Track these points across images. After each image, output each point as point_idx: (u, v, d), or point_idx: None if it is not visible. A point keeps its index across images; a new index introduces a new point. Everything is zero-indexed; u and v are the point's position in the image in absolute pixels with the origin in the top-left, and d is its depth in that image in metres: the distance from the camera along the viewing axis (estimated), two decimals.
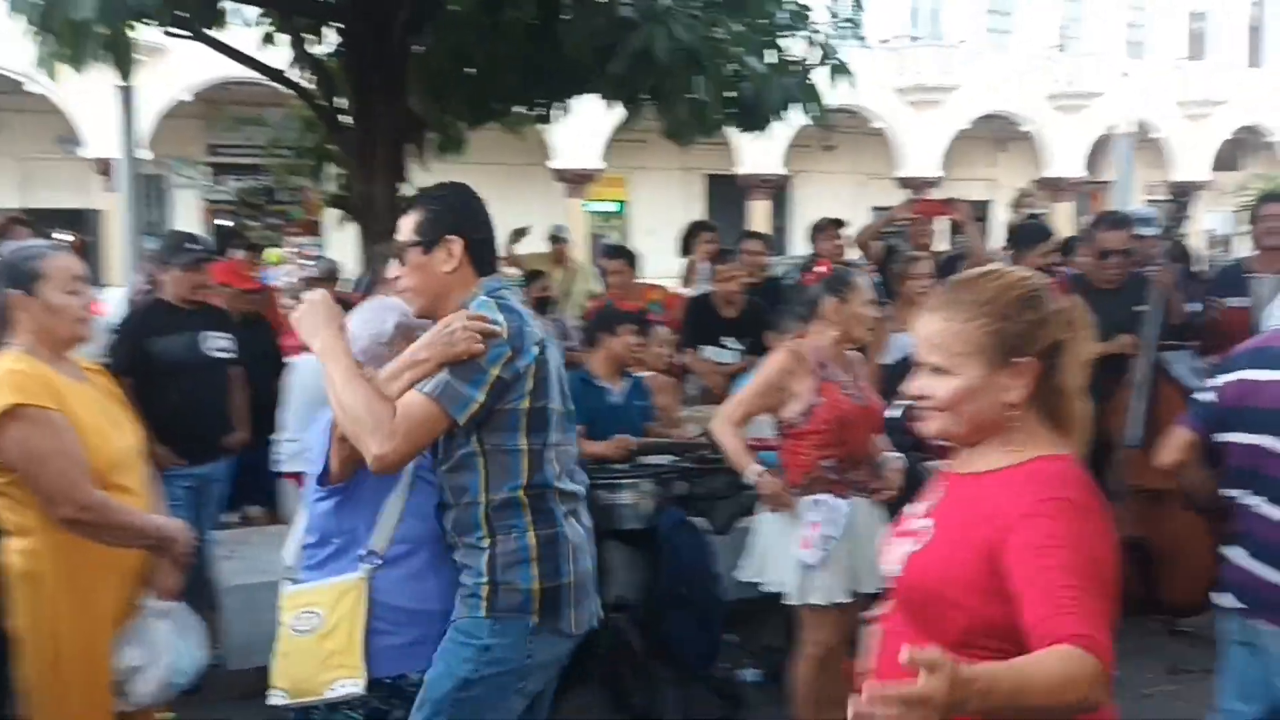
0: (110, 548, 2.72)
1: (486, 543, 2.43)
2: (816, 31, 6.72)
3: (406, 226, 2.55)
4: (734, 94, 6.19)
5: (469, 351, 2.33)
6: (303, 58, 8.00)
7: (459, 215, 2.56)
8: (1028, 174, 27.74)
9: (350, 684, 2.49)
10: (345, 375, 2.36)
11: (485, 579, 2.43)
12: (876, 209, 26.61)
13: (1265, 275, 5.01)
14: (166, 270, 4.79)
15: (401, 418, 2.30)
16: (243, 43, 7.85)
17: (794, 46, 7.07)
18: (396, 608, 2.55)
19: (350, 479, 2.53)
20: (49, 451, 2.59)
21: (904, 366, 4.96)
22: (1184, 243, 5.31)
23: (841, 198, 25.99)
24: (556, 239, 9.33)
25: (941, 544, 1.79)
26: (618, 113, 7.24)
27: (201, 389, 4.74)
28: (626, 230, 25.94)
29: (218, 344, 4.88)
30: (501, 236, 7.28)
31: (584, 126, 11.32)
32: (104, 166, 19.62)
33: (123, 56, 4.19)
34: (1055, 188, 26.88)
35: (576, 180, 23.57)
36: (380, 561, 2.55)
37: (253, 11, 7.66)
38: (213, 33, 7.10)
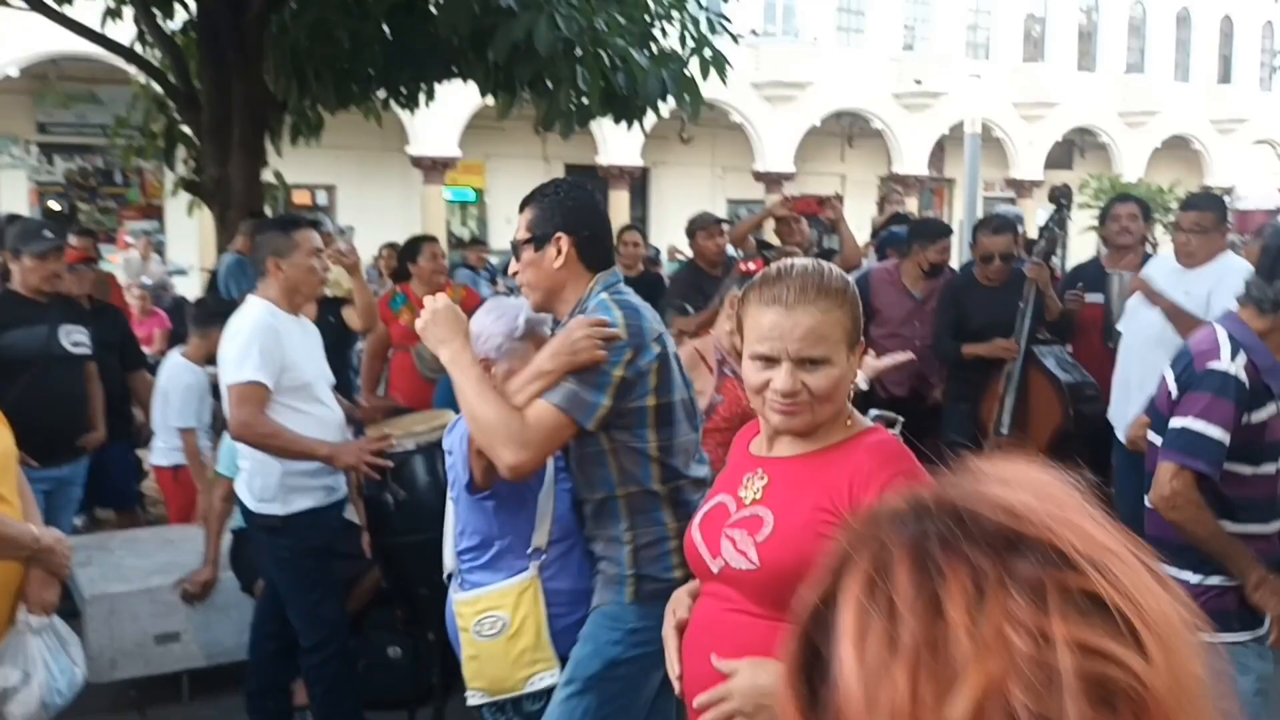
0: None
1: (628, 535, 2.50)
2: (695, 22, 6.71)
3: (522, 224, 2.62)
4: (609, 85, 6.12)
5: (592, 359, 2.38)
6: (153, 33, 7.58)
7: (569, 213, 2.60)
8: (876, 170, 28.59)
9: (549, 676, 2.59)
10: (476, 386, 2.42)
11: (630, 571, 2.49)
12: (733, 201, 27.13)
13: (1116, 272, 5.25)
14: (18, 259, 4.41)
15: (533, 428, 2.37)
16: (83, 16, 7.41)
17: (667, 39, 7.07)
18: (563, 590, 2.62)
19: (497, 483, 2.58)
20: None
21: None
22: (1057, 241, 5.49)
23: (699, 190, 26.31)
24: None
25: (791, 527, 1.79)
26: (475, 99, 7.08)
27: (59, 385, 4.42)
28: (485, 218, 25.64)
29: (73, 337, 4.55)
30: (366, 224, 7.07)
31: (442, 112, 11.13)
32: None
33: None
34: (902, 184, 27.77)
35: (434, 167, 23.13)
36: (542, 556, 2.63)
37: None
38: (52, 4, 6.66)
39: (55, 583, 2.70)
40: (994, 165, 28.55)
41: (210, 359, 4.46)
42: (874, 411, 4.77)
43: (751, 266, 3.85)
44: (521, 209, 2.68)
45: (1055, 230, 5.40)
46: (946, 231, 5.89)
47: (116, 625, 4.08)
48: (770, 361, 1.81)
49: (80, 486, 4.72)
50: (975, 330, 5.17)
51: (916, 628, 0.55)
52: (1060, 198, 5.45)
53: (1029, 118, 29.82)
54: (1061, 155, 31.35)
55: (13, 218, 7.52)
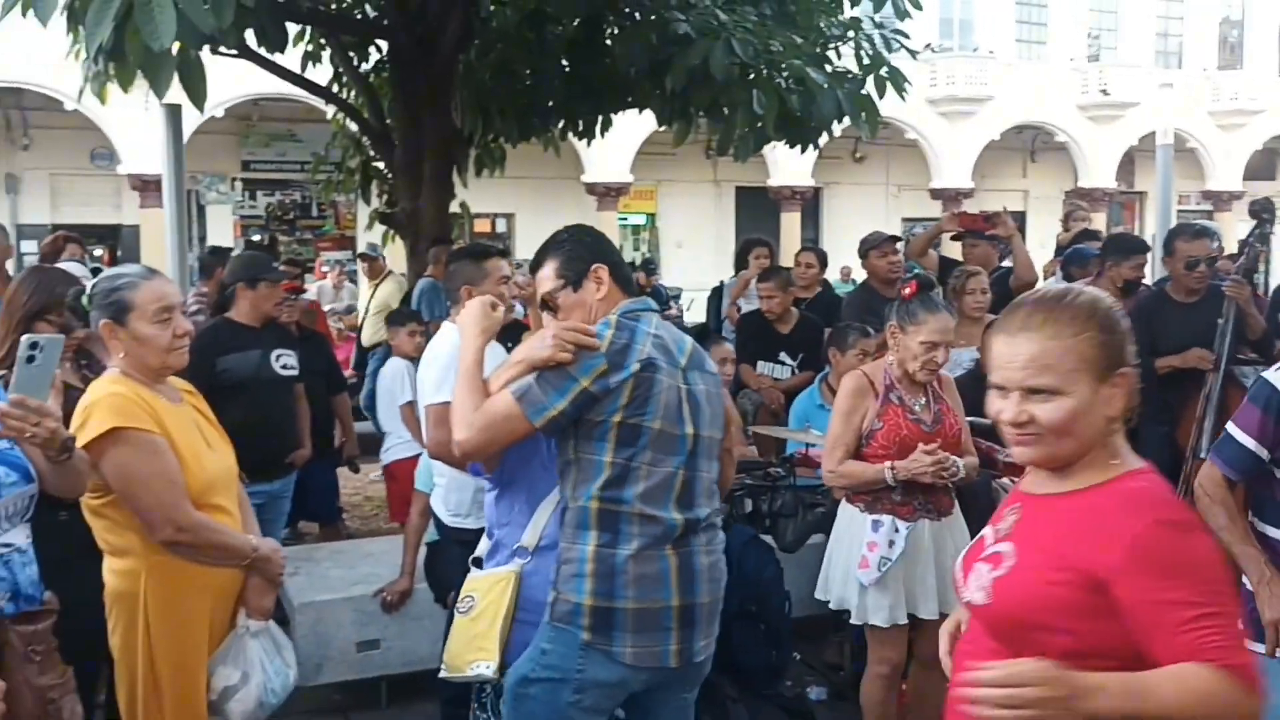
0: (206, 568, 2.72)
1: (562, 550, 2.52)
2: (870, 41, 6.68)
3: (547, 276, 2.66)
4: (785, 107, 6.16)
5: (554, 359, 2.41)
6: (350, 74, 8.07)
7: (592, 247, 2.68)
8: (1061, 184, 27.59)
9: (484, 665, 2.62)
10: (462, 372, 2.55)
11: (553, 586, 2.52)
12: (908, 220, 26.63)
13: None
14: (252, 288, 4.77)
15: (482, 412, 2.45)
16: (285, 60, 7.94)
17: (841, 59, 7.06)
18: (539, 602, 2.61)
19: (504, 470, 2.69)
20: (148, 474, 2.59)
21: (966, 381, 4.95)
22: (1259, 257, 5.22)
23: (872, 209, 25.96)
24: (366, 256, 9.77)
25: (1029, 568, 1.74)
26: (647, 126, 7.26)
27: (271, 406, 4.75)
28: (656, 242, 25.96)
29: (283, 360, 4.89)
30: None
31: (615, 140, 11.39)
32: (138, 182, 19.82)
33: (196, 82, 4.20)
34: (1089, 198, 26.71)
35: (608, 193, 23.62)
36: (529, 557, 2.68)
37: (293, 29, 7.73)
38: (262, 53, 7.16)
39: (272, 590, 2.90)
40: (1188, 177, 27.13)
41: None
42: None
43: (906, 291, 3.79)
44: (535, 269, 2.73)
45: (1257, 246, 5.11)
46: (1143, 248, 5.64)
47: (322, 632, 4.32)
48: (1003, 391, 1.78)
49: (288, 500, 5.06)
50: (1169, 350, 4.95)
51: None
52: (1262, 211, 5.16)
53: (1226, 126, 28.22)
54: (1262, 165, 29.53)
55: (215, 250, 8.13)
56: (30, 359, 2.22)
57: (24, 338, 2.28)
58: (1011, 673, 1.56)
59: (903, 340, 3.69)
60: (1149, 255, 5.61)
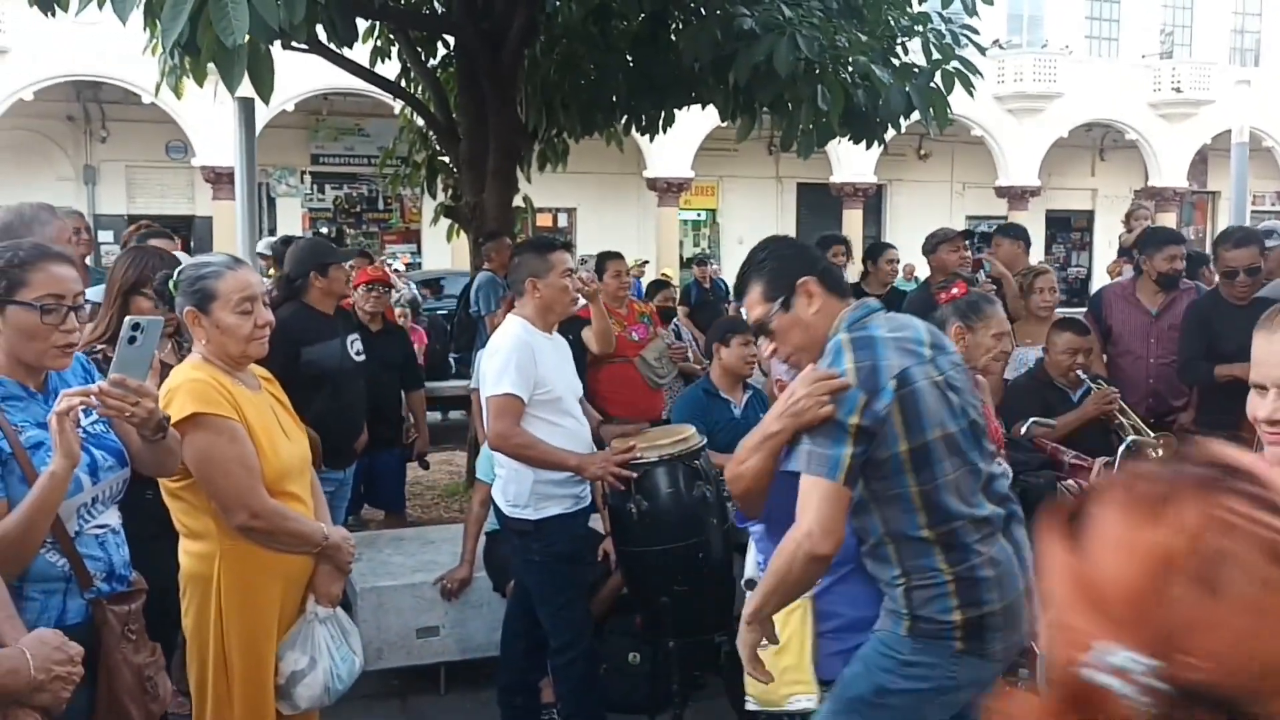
0: (277, 553, 2.78)
1: (901, 580, 2.41)
2: (941, 35, 6.60)
3: (754, 301, 2.54)
4: (851, 103, 6.11)
5: (817, 417, 2.29)
6: (418, 69, 8.16)
7: (794, 259, 2.55)
8: (1131, 183, 27.08)
9: (805, 700, 2.61)
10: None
11: (905, 610, 2.41)
12: (972, 218, 26.31)
13: None
14: (324, 274, 4.79)
15: (806, 509, 2.28)
16: (354, 55, 8.06)
17: (909, 55, 7.00)
18: (837, 615, 2.63)
19: (765, 510, 2.58)
20: (226, 459, 2.66)
21: (1028, 382, 4.89)
22: None
23: (936, 207, 25.69)
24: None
25: None
26: (708, 122, 7.24)
27: (348, 394, 4.82)
28: (717, 238, 25.93)
29: (356, 346, 4.96)
30: (603, 246, 7.41)
31: (676, 135, 11.42)
32: (211, 174, 20.25)
33: (264, 76, 4.28)
34: (1159, 198, 26.17)
35: (669, 189, 23.62)
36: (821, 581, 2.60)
37: (362, 24, 7.84)
38: (333, 48, 7.26)
39: (341, 577, 2.95)
40: (1264, 177, 26.47)
41: None
42: (1131, 438, 4.57)
43: (955, 292, 3.73)
44: (739, 295, 2.62)
45: None
46: (1175, 239, 5.52)
47: (383, 618, 4.40)
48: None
49: (351, 486, 5.15)
50: (1229, 354, 4.78)
51: (1153, 492, 0.81)
52: None
53: None
54: None
55: (288, 239, 8.27)
56: (132, 339, 2.29)
57: (126, 319, 2.35)
58: None
59: (971, 339, 3.63)
60: (1182, 247, 5.47)
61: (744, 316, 2.76)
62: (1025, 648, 2.63)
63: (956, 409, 2.41)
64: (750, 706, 2.74)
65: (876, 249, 7.23)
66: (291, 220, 22.44)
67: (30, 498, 2.16)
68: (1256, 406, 1.73)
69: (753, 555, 2.88)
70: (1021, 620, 2.44)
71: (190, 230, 21.44)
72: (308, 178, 23.19)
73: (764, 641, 2.57)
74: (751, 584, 2.84)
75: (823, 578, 2.56)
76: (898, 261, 7.16)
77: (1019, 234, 6.60)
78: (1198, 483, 0.81)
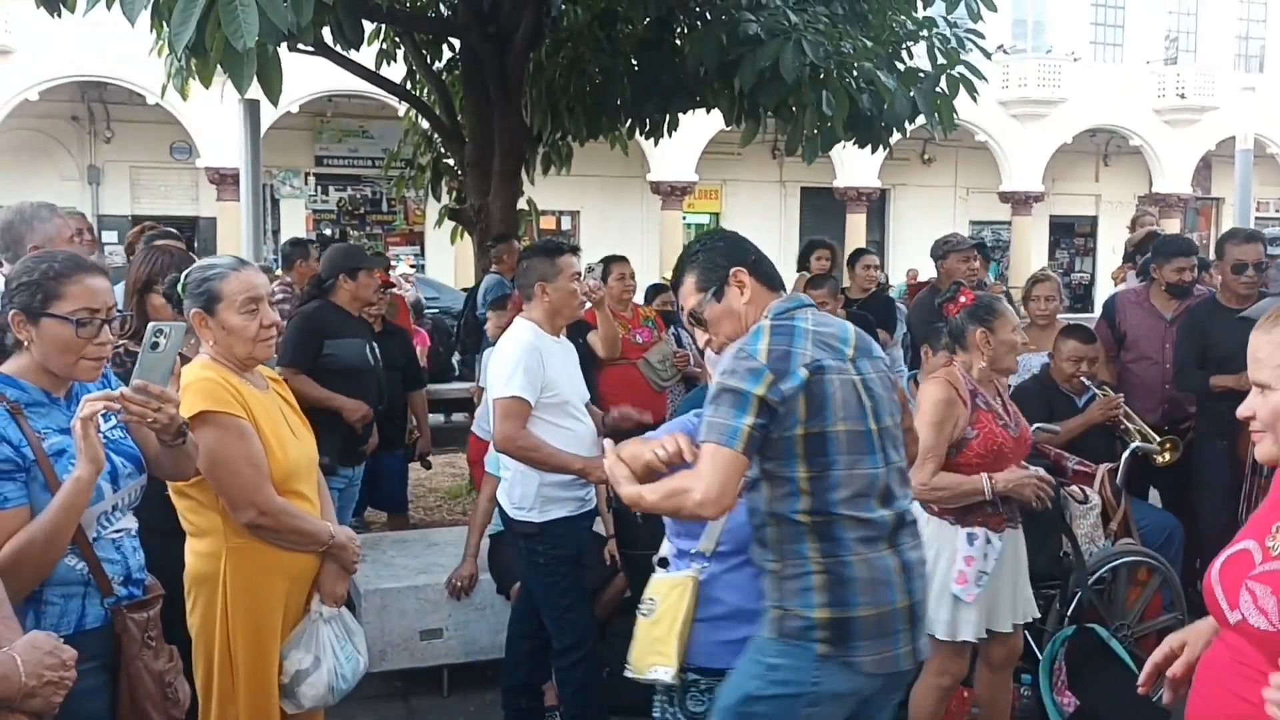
0: (283, 552, 2.79)
1: (774, 566, 2.42)
2: (947, 40, 6.61)
3: (688, 292, 2.59)
4: (856, 108, 6.13)
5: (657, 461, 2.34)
6: (423, 71, 8.19)
7: (727, 251, 2.59)
8: (1134, 189, 27.09)
9: (662, 670, 2.60)
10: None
11: (774, 603, 2.42)
12: (976, 223, 26.33)
13: None
14: (353, 278, 4.88)
15: (702, 475, 2.28)
16: (359, 57, 8.08)
17: (913, 59, 7.01)
18: (721, 602, 2.62)
19: None
20: (234, 457, 2.67)
21: (1033, 387, 4.89)
22: None
23: (940, 211, 25.70)
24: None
25: None
26: (712, 125, 7.27)
27: (365, 394, 4.87)
28: None
29: (376, 351, 5.02)
30: (607, 249, 7.44)
31: (680, 139, 11.42)
32: (215, 175, 20.28)
33: (273, 78, 4.30)
34: (1163, 204, 26.19)
35: (672, 192, 23.65)
36: (707, 562, 2.64)
37: (368, 27, 7.86)
38: (339, 50, 7.29)
39: (346, 577, 2.96)
40: (1268, 183, 26.48)
41: None
42: (1135, 444, 4.58)
43: (964, 300, 3.75)
44: (675, 288, 2.66)
45: None
46: (1186, 250, 5.52)
47: (387, 619, 4.40)
48: (1261, 389, 1.79)
49: (358, 487, 5.17)
50: (1221, 360, 4.76)
51: None
52: None
53: None
54: None
55: (296, 241, 8.29)
56: (155, 345, 2.30)
57: (150, 325, 2.35)
58: None
59: (995, 340, 3.66)
60: (1193, 258, 5.48)
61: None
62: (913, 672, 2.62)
63: (868, 410, 2.43)
64: (627, 672, 2.75)
65: (855, 255, 7.30)
66: (296, 222, 22.48)
67: (56, 503, 2.17)
68: (1251, 407, 1.75)
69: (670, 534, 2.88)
70: (896, 639, 2.40)
71: (194, 231, 21.48)
72: (312, 179, 23.23)
73: (643, 611, 2.67)
74: (664, 562, 2.84)
75: (713, 566, 2.62)
76: (875, 268, 7.21)
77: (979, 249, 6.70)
78: None
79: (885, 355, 2.68)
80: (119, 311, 2.45)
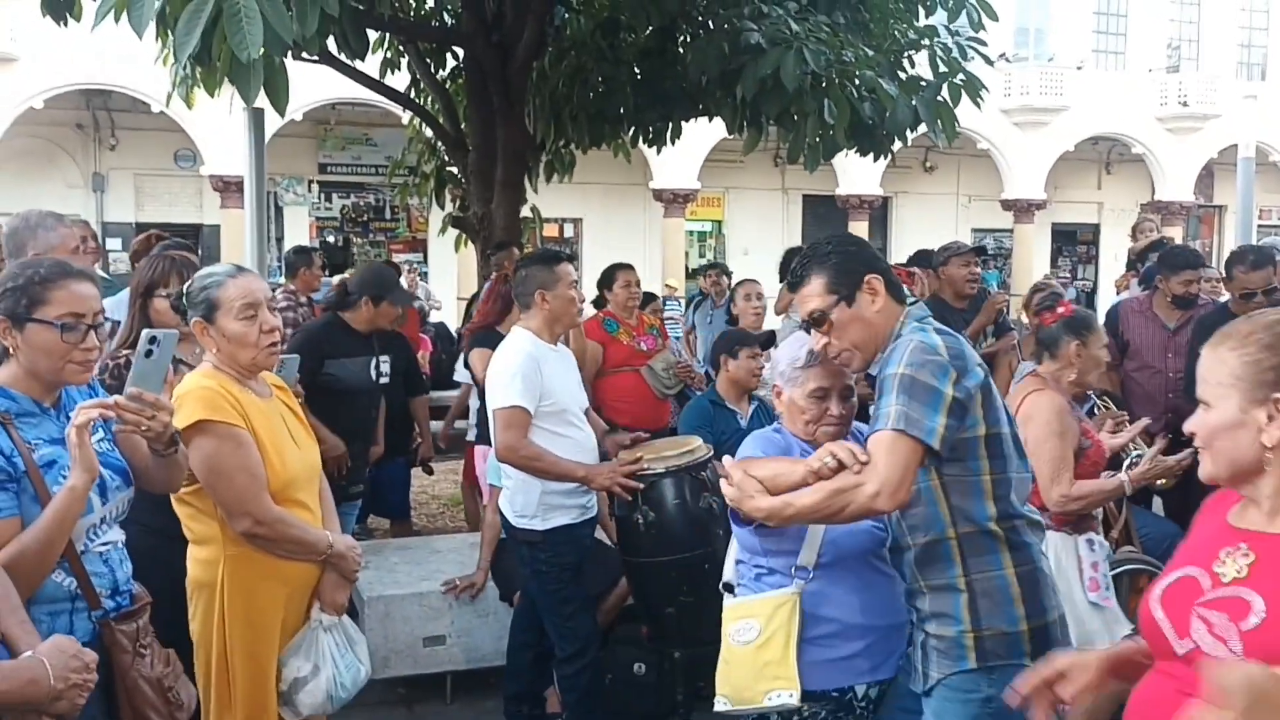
0: (282, 560, 2.80)
1: (962, 582, 2.31)
2: (948, 49, 6.63)
3: (814, 293, 2.45)
4: (858, 116, 6.14)
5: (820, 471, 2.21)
6: (427, 80, 8.22)
7: (860, 256, 2.49)
8: (1137, 197, 27.07)
9: (785, 694, 2.52)
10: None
11: (967, 627, 2.30)
12: (978, 231, 26.31)
13: None
14: (373, 304, 4.88)
15: (879, 464, 2.17)
16: (363, 66, 8.11)
17: (915, 67, 7.03)
18: (829, 620, 2.56)
19: None
20: (232, 466, 2.68)
21: None
22: None
23: (942, 219, 25.69)
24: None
25: None
26: (714, 133, 7.29)
27: (365, 412, 4.89)
28: (723, 250, 25.95)
29: (383, 367, 5.00)
30: (609, 257, 7.46)
31: (683, 147, 11.47)
32: (219, 183, 20.32)
33: (280, 87, 4.31)
34: (1165, 212, 26.17)
35: (675, 200, 23.66)
36: (810, 575, 2.57)
37: (372, 35, 7.89)
38: (344, 59, 7.31)
39: (347, 586, 2.97)
40: (1271, 191, 26.44)
41: None
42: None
43: (1061, 311, 3.77)
44: (796, 286, 2.51)
45: None
46: (1193, 263, 5.51)
47: (390, 626, 4.42)
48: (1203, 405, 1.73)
49: (359, 498, 5.18)
50: None
51: None
52: None
53: None
54: None
55: (300, 249, 8.31)
56: (149, 353, 2.31)
57: (144, 332, 2.37)
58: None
59: (1086, 354, 3.68)
60: (1200, 271, 5.48)
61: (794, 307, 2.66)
62: None
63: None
64: (720, 707, 2.66)
65: (790, 257, 7.29)
66: (299, 229, 22.50)
67: (49, 513, 2.17)
68: (1188, 422, 1.74)
69: (734, 555, 2.82)
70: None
71: (198, 239, 21.49)
72: (315, 187, 23.25)
73: (743, 638, 2.57)
74: (729, 587, 2.80)
75: (814, 575, 2.55)
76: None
77: (926, 262, 6.68)
78: None
79: None
80: (106, 318, 2.46)
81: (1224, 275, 5.41)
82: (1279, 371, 1.65)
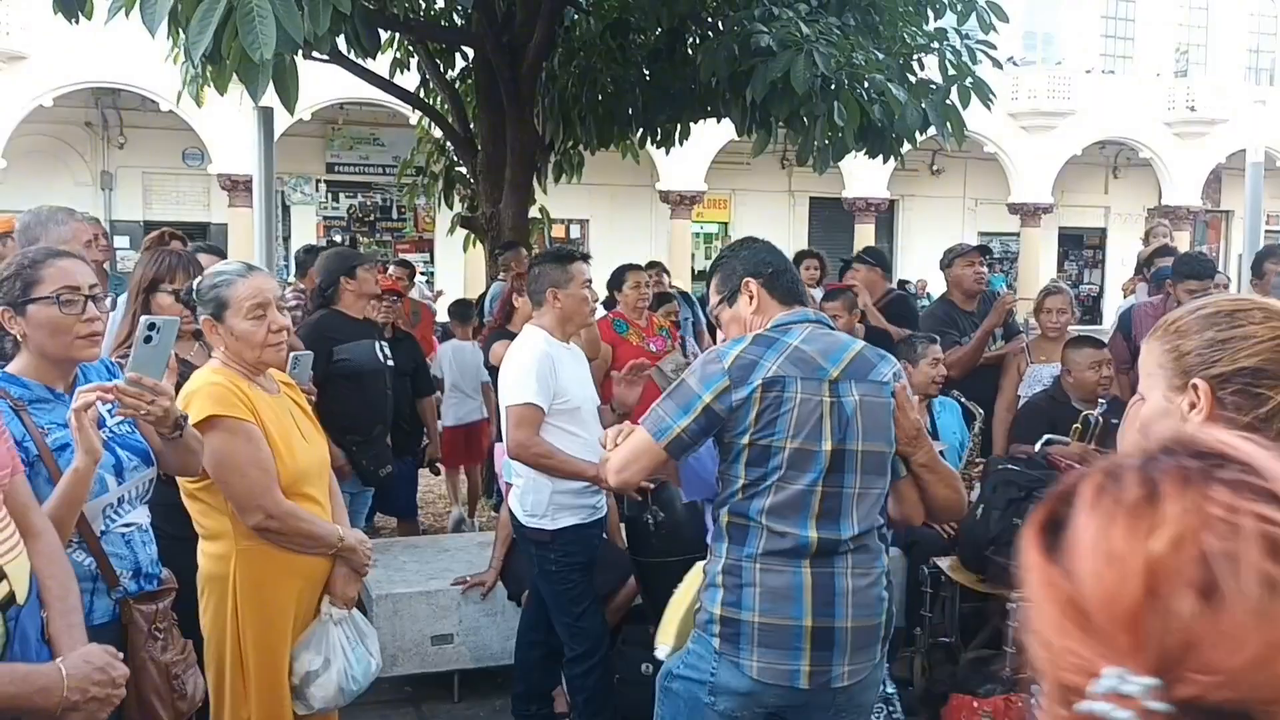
0: (293, 554, 2.82)
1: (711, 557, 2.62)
2: (956, 52, 6.63)
3: (711, 294, 2.78)
4: (867, 119, 6.15)
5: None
6: (436, 80, 8.24)
7: (747, 260, 2.71)
8: (1144, 201, 27.05)
9: (661, 649, 2.72)
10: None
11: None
12: (985, 234, 26.28)
13: None
14: (352, 277, 4.91)
15: (623, 448, 2.57)
16: (373, 65, 8.13)
17: (924, 70, 7.03)
18: None
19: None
20: (242, 461, 2.70)
21: (1043, 401, 4.89)
22: None
23: (949, 222, 25.68)
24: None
25: None
26: (722, 135, 7.31)
27: (382, 390, 4.90)
28: None
29: (385, 350, 5.05)
30: (616, 258, 7.47)
31: (690, 148, 11.43)
32: (227, 182, 20.35)
33: (289, 86, 4.32)
34: (1172, 216, 26.14)
35: (681, 201, 23.67)
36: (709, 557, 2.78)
37: (382, 35, 7.91)
38: (355, 59, 7.33)
39: (357, 580, 2.98)
40: (1278, 196, 26.40)
41: None
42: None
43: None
44: (707, 286, 2.85)
45: None
46: (1199, 274, 5.48)
47: (398, 624, 4.43)
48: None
49: (371, 492, 5.19)
50: None
51: (1136, 494, 0.73)
52: None
53: None
54: None
55: (311, 248, 8.33)
56: (148, 339, 2.33)
57: (143, 318, 2.39)
58: None
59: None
60: (1206, 283, 5.47)
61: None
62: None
63: (826, 433, 2.47)
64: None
65: (797, 259, 7.40)
66: (306, 229, 22.53)
67: (55, 496, 2.19)
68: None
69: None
70: (793, 655, 2.46)
71: (205, 237, 21.53)
72: (323, 186, 23.28)
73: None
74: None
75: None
76: (815, 270, 7.84)
77: (878, 259, 6.84)
78: (1184, 476, 0.72)
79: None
80: (106, 293, 2.51)
81: (1254, 272, 5.40)
82: (1200, 355, 1.62)
